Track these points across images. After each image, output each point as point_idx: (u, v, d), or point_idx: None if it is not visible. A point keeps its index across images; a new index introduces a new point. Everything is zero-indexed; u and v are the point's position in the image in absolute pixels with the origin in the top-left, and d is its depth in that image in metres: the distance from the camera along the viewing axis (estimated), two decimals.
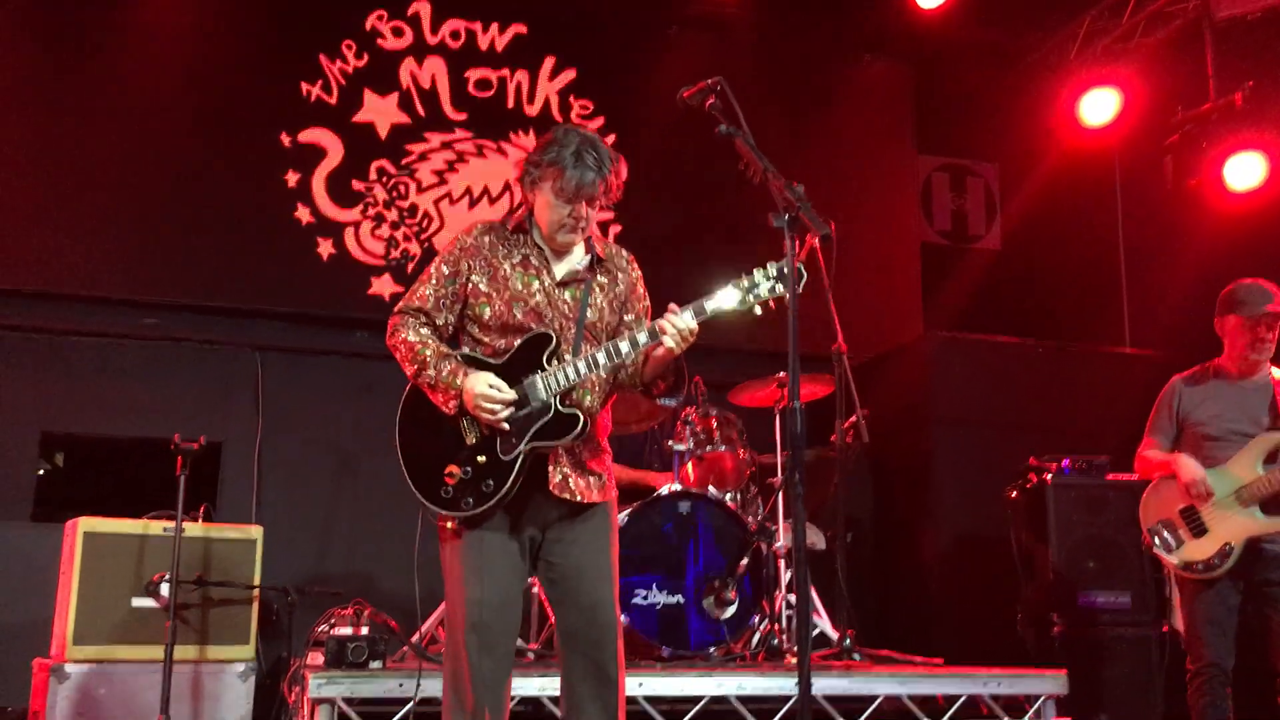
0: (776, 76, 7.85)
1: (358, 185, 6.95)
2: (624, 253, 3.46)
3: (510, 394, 3.11)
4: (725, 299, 3.09)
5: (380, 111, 7.08)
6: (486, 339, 3.24)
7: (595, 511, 3.25)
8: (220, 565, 4.80)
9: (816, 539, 6.13)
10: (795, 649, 5.06)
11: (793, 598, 5.46)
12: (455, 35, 7.31)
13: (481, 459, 3.13)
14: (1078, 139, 7.95)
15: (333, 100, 6.97)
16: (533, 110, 7.33)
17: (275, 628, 5.60)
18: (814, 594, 5.54)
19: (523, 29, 7.41)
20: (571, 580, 3.21)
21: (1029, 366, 6.98)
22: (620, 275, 3.38)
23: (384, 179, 7.02)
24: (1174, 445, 4.73)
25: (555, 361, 3.16)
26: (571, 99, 7.40)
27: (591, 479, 3.25)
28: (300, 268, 6.77)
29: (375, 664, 4.39)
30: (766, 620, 5.27)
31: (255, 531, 4.96)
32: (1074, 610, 5.63)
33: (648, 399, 3.39)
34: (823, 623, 5.61)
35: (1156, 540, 4.60)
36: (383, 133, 7.06)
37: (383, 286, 6.88)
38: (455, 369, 3.16)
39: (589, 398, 3.24)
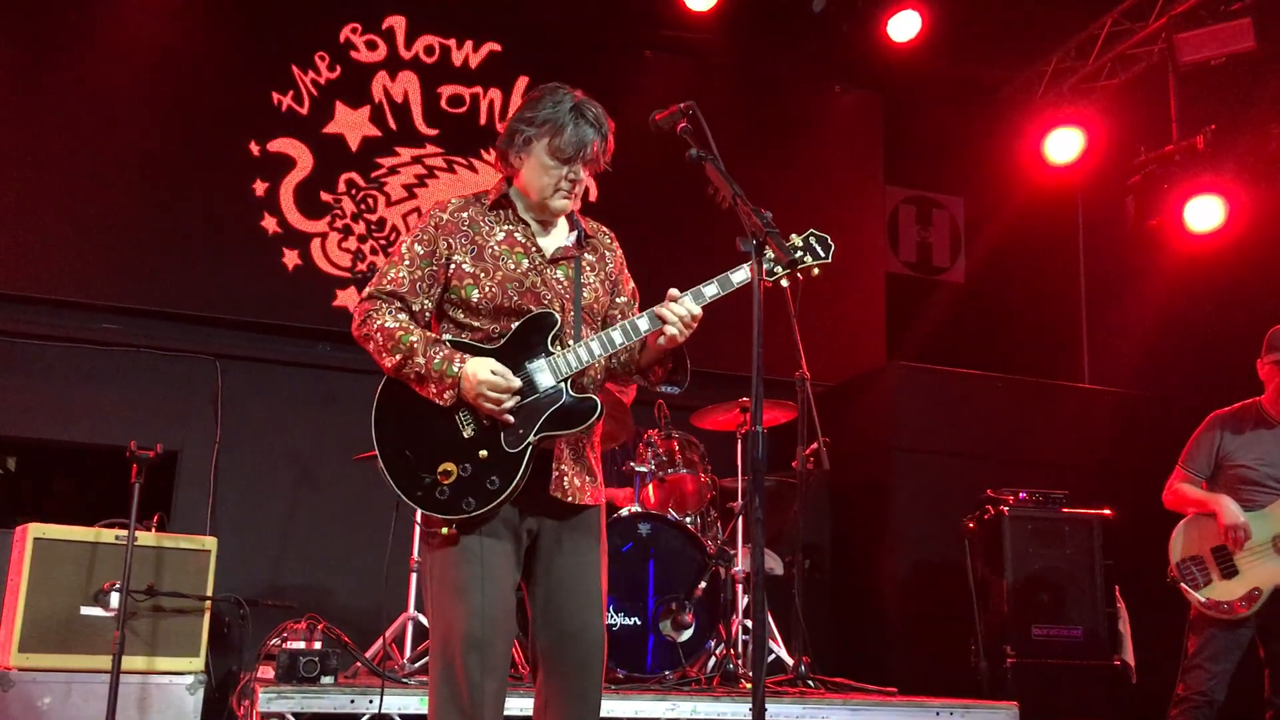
0: (749, 103, 7.92)
1: (326, 197, 6.92)
2: (606, 230, 3.24)
3: (515, 381, 2.85)
4: (735, 277, 2.95)
5: (351, 124, 7.06)
6: (476, 323, 2.95)
7: (586, 516, 3.00)
8: (172, 575, 4.74)
9: (775, 565, 6.15)
10: (750, 674, 5.06)
11: (749, 623, 5.47)
12: (429, 51, 7.32)
13: (483, 454, 2.84)
14: (1042, 176, 8.07)
15: (304, 111, 6.95)
16: (504, 128, 7.32)
17: (226, 640, 5.54)
18: (770, 620, 5.54)
19: (497, 47, 7.43)
20: (559, 597, 2.95)
21: (990, 399, 7.04)
22: (608, 254, 3.17)
23: (353, 191, 7.00)
24: (1209, 483, 4.76)
25: (559, 344, 2.92)
26: None
27: (586, 479, 3.00)
28: (265, 277, 6.73)
29: (327, 679, 4.34)
30: (722, 645, 5.27)
31: (209, 542, 4.90)
32: (1027, 642, 5.67)
33: (645, 384, 3.14)
34: (778, 649, 5.62)
35: (1184, 575, 4.63)
36: (353, 145, 7.04)
37: (348, 299, 6.85)
38: (449, 355, 2.86)
39: (592, 385, 3.01)
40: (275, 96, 6.90)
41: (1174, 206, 6.97)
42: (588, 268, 3.09)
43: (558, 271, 3.03)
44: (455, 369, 2.84)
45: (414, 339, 2.89)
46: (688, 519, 5.52)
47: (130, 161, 6.56)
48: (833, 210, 7.95)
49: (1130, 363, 7.61)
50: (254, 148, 6.81)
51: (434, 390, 2.87)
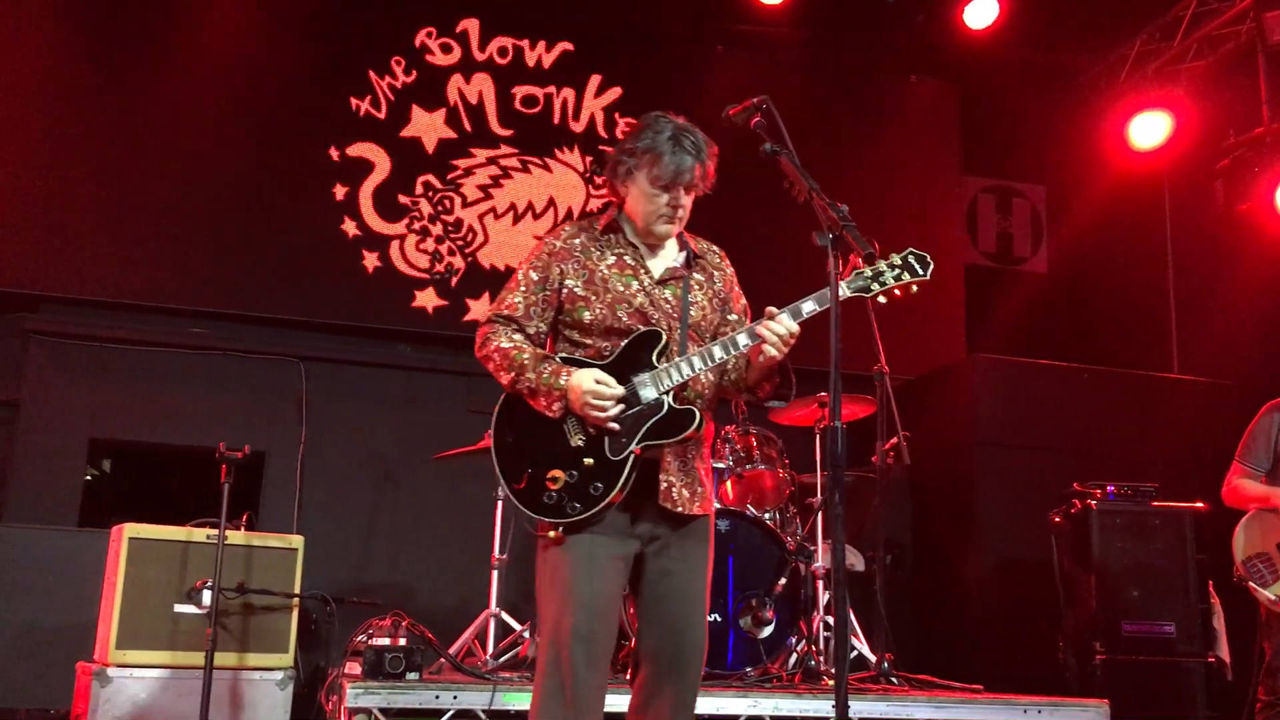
0: (823, 96, 7.86)
1: (404, 199, 7.02)
2: (716, 249, 3.34)
3: (619, 389, 2.99)
4: (828, 294, 2.95)
5: (427, 127, 7.15)
6: (589, 342, 3.12)
7: (698, 526, 3.12)
8: (261, 573, 4.83)
9: (855, 560, 6.10)
10: (832, 671, 5.02)
11: (831, 619, 5.42)
12: (503, 52, 7.38)
13: (589, 461, 2.99)
14: (1127, 162, 7.88)
15: (381, 115, 7.05)
16: (578, 127, 7.38)
17: (314, 637, 5.64)
18: (852, 616, 5.50)
19: (569, 47, 7.47)
20: (666, 602, 3.08)
21: (1075, 391, 6.90)
22: (717, 274, 3.27)
23: (430, 193, 7.08)
24: (1269, 477, 4.64)
25: (664, 360, 3.05)
26: (617, 116, 7.44)
27: (697, 490, 3.12)
28: (346, 280, 6.85)
29: (412, 675, 4.40)
30: (804, 641, 5.24)
31: (296, 540, 4.99)
32: (1117, 638, 5.55)
33: (754, 400, 3.24)
34: (861, 645, 5.57)
35: (1252, 572, 4.52)
36: (430, 147, 7.13)
37: (426, 300, 6.94)
38: (557, 370, 3.03)
39: (699, 400, 3.13)
40: (353, 102, 7.01)
41: (1265, 190, 6.76)
42: (696, 287, 3.20)
43: (666, 291, 3.16)
44: (562, 382, 3.01)
45: (525, 357, 3.07)
46: (766, 515, 5.50)
47: (214, 170, 6.72)
48: (910, 201, 7.87)
49: (1221, 352, 7.40)
50: (333, 153, 6.93)
51: (544, 403, 3.03)
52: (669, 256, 3.23)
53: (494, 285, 7.01)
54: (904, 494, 7.22)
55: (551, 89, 7.41)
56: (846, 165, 7.65)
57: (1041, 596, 5.91)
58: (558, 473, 2.99)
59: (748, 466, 5.56)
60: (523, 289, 3.17)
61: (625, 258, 3.17)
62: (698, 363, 3.03)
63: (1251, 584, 4.51)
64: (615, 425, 2.99)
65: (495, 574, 5.42)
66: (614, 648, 3.07)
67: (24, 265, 6.34)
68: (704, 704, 4.47)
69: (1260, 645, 4.62)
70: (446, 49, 7.28)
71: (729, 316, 3.26)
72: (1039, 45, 7.88)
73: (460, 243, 7.08)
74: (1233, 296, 7.37)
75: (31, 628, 5.13)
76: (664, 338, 3.06)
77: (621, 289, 3.12)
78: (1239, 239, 7.24)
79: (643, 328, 3.09)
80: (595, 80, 7.46)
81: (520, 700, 4.25)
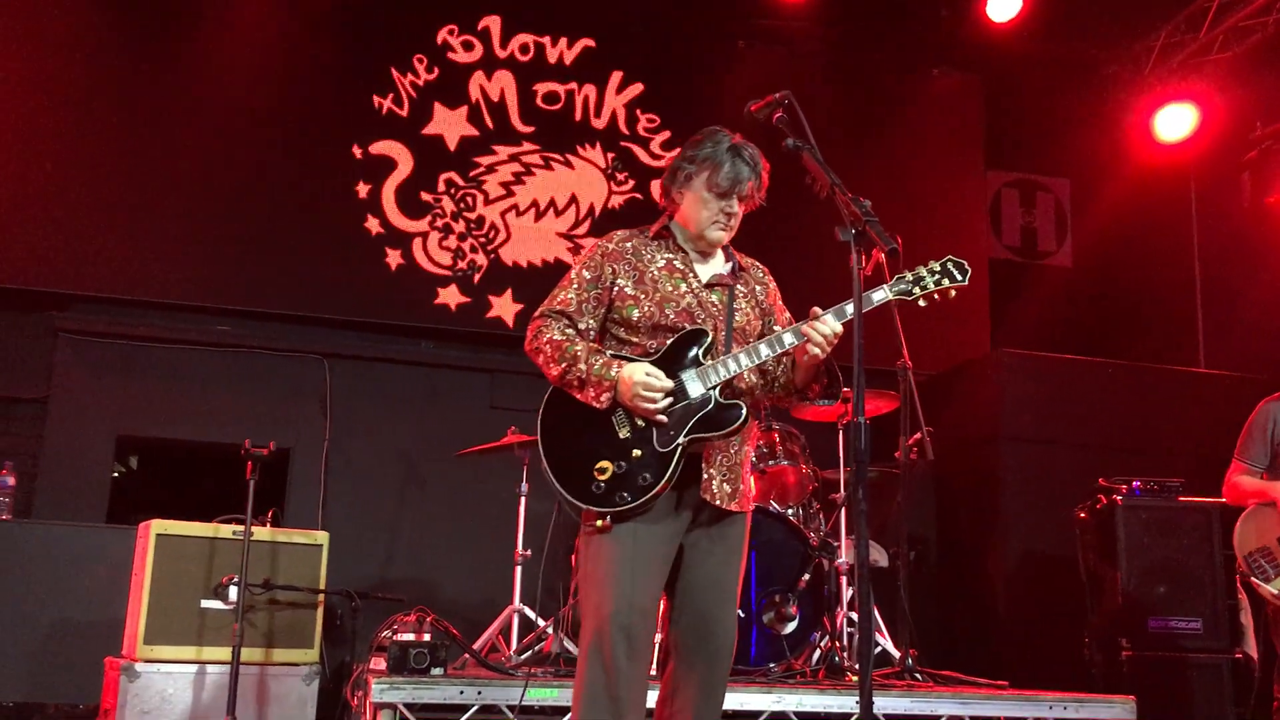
0: (845, 90, 7.84)
1: (426, 196, 7.04)
2: (760, 265, 3.46)
3: (668, 382, 3.07)
4: (875, 296, 3.10)
5: (450, 124, 7.17)
6: (635, 339, 3.21)
7: (734, 522, 3.19)
8: (287, 569, 4.86)
9: (879, 556, 6.08)
10: (856, 667, 5.01)
11: (855, 615, 5.42)
12: (524, 49, 7.39)
13: (637, 452, 3.06)
14: (1152, 155, 7.83)
15: (403, 113, 7.08)
16: (600, 123, 7.38)
17: (339, 632, 5.68)
18: (876, 612, 5.48)
19: (591, 43, 7.47)
20: (698, 593, 3.15)
21: (1100, 386, 6.86)
22: (759, 288, 3.38)
23: (452, 190, 7.10)
24: (1269, 473, 4.61)
25: (711, 358, 3.13)
26: (638, 112, 7.43)
27: (738, 486, 3.19)
28: (369, 277, 6.87)
29: (437, 670, 4.42)
30: (827, 637, 5.23)
31: (321, 536, 5.02)
32: (1144, 635, 5.52)
33: (804, 403, 3.32)
34: (885, 641, 5.55)
35: (1253, 567, 4.50)
36: (452, 145, 7.15)
37: (449, 297, 6.96)
38: (609, 362, 3.11)
39: (745, 398, 3.19)
40: (376, 100, 7.04)
41: None
42: (741, 295, 3.30)
43: (712, 295, 3.25)
44: (613, 373, 3.09)
45: (578, 349, 3.15)
46: (789, 511, 5.49)
47: (238, 169, 6.76)
48: (933, 196, 7.84)
49: (1248, 345, 7.34)
50: (356, 151, 6.96)
51: (592, 394, 3.11)
52: (716, 265, 3.33)
53: (516, 282, 7.03)
54: (927, 489, 7.20)
55: (573, 85, 7.41)
56: (869, 160, 7.62)
57: (1067, 592, 5.88)
58: (605, 463, 3.06)
59: (770, 462, 5.56)
60: (575, 286, 3.26)
61: (675, 262, 3.27)
62: (744, 359, 3.10)
63: (1255, 579, 4.49)
64: (663, 418, 3.06)
65: (519, 569, 5.43)
66: (654, 639, 3.12)
67: (52, 264, 6.39)
68: (727, 699, 4.43)
69: (1269, 642, 4.58)
70: (468, 46, 7.30)
71: (774, 327, 3.32)
72: (1063, 37, 7.83)
73: (482, 240, 7.10)
74: (1259, 290, 7.32)
75: (60, 623, 5.18)
76: (710, 336, 3.14)
77: (670, 289, 3.22)
78: (1266, 231, 7.19)
79: (689, 326, 3.17)
80: (616, 77, 7.46)
81: (546, 696, 4.26)
